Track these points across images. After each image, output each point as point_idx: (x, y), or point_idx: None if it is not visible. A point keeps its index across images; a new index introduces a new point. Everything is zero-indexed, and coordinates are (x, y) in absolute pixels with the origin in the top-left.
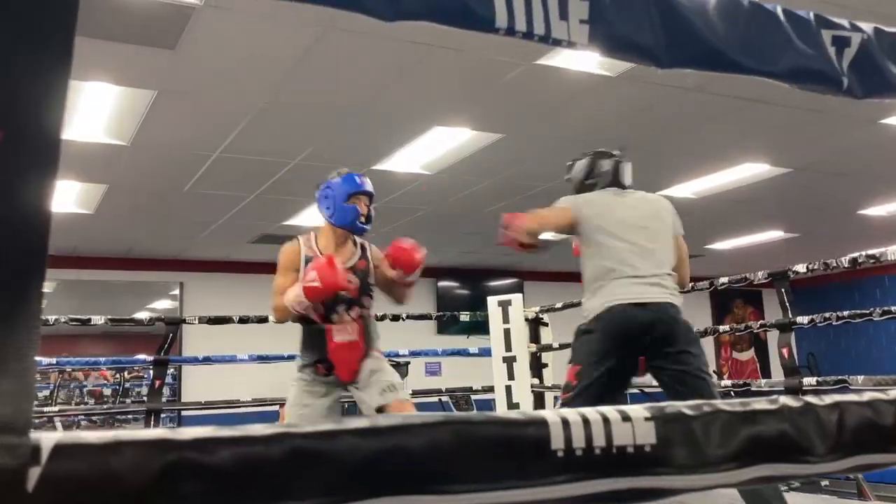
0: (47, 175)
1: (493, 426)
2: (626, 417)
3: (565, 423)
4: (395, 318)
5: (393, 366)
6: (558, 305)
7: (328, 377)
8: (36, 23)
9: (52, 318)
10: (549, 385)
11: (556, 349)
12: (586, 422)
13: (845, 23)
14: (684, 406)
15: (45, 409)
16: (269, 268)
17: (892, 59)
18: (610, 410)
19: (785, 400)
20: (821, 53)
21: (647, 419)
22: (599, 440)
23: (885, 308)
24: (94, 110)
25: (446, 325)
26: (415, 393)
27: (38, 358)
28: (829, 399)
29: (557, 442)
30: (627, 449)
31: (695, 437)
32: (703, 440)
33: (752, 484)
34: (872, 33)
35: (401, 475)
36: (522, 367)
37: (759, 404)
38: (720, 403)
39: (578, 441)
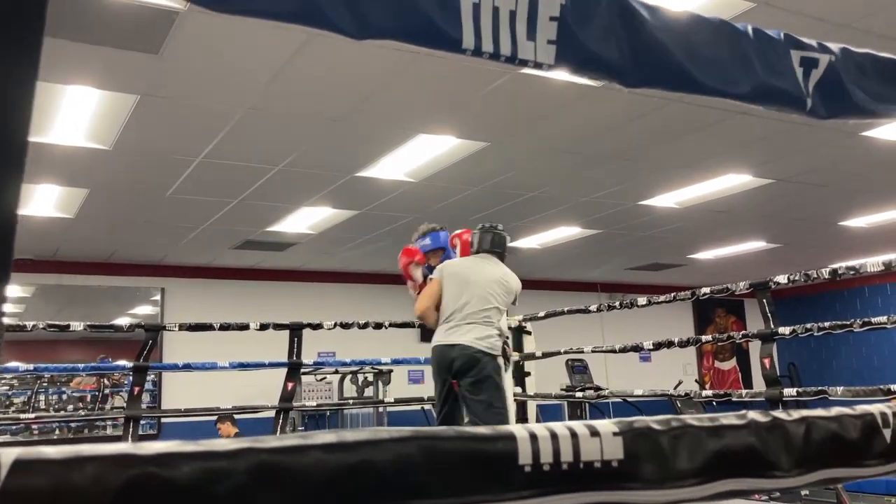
0: (13, 178)
1: (461, 441)
2: (594, 432)
3: (533, 437)
4: (378, 326)
5: (375, 374)
6: (541, 314)
7: None
8: (1, 23)
9: (29, 323)
10: (532, 394)
11: (540, 357)
12: (554, 437)
13: (814, 43)
14: (653, 421)
15: (22, 416)
16: (252, 274)
17: (858, 81)
18: (579, 425)
19: (753, 415)
20: (787, 74)
21: (615, 434)
22: (567, 455)
23: (866, 319)
24: (76, 114)
25: (429, 334)
26: (397, 401)
27: (14, 364)
28: (796, 414)
29: (525, 457)
30: (595, 464)
31: (662, 452)
32: (671, 455)
33: (719, 499)
34: (840, 54)
35: (367, 490)
36: (506, 375)
37: (727, 419)
38: (688, 418)
39: (546, 456)
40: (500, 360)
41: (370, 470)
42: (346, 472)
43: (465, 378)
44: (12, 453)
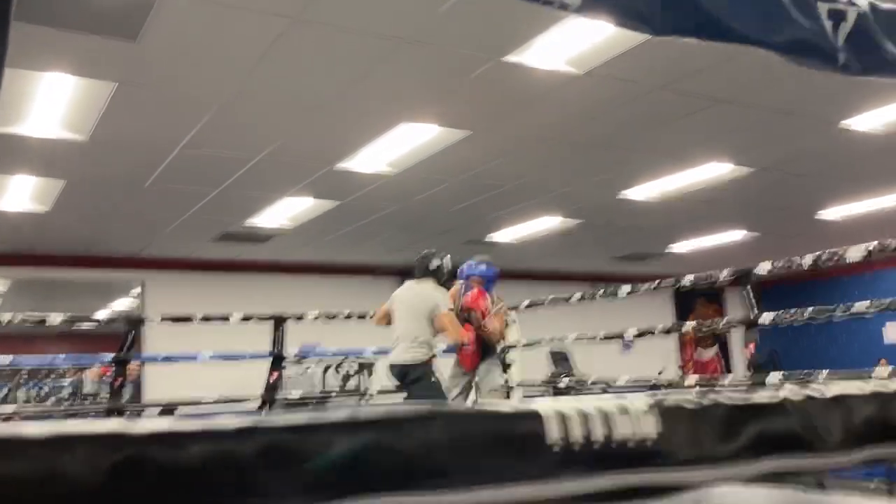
0: None
1: (485, 420)
2: (624, 409)
3: (560, 416)
4: (362, 316)
5: (358, 365)
6: (525, 304)
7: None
8: None
9: (6, 316)
10: (517, 383)
11: (524, 347)
12: (583, 414)
13: None
14: (685, 397)
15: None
16: (232, 267)
17: (890, 37)
18: (608, 401)
19: (787, 391)
20: (817, 27)
21: (646, 411)
22: (598, 434)
23: (847, 304)
24: (52, 103)
25: None
26: (381, 393)
27: None
28: (830, 391)
29: (553, 436)
30: (628, 443)
31: (697, 430)
32: (707, 433)
33: (761, 480)
34: (868, 9)
35: (384, 472)
36: (493, 368)
37: (761, 395)
38: (721, 395)
39: (576, 435)
40: (429, 365)
41: (388, 450)
42: (363, 452)
43: (405, 385)
44: None
